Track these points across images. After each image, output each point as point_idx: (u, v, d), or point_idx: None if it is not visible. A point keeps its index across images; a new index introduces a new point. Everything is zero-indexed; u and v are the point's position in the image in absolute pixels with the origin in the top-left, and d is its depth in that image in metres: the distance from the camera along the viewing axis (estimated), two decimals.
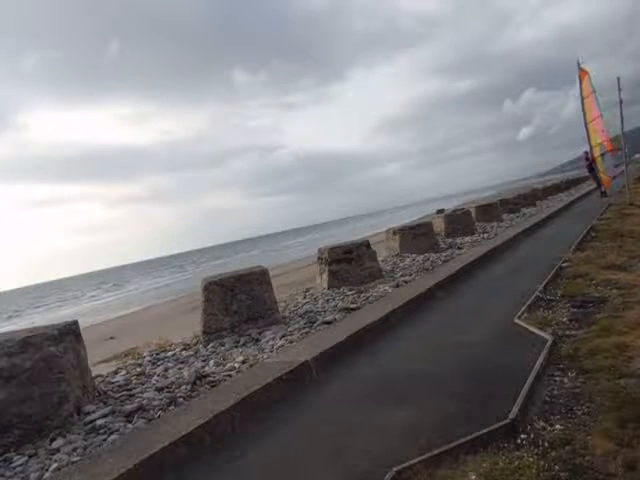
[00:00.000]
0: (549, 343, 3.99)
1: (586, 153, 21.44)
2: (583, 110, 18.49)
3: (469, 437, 2.70)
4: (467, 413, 3.10)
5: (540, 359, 3.66)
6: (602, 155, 18.80)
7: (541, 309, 5.20)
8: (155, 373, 4.89)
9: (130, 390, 4.40)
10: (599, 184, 20.78)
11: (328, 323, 5.77)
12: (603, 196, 19.72)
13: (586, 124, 18.52)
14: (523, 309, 5.18)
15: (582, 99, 18.44)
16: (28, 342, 3.55)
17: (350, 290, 7.62)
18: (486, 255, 9.46)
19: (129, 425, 3.60)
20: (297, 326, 5.82)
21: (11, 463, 3.23)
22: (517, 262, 8.83)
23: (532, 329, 4.50)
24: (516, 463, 2.42)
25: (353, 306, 6.48)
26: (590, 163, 21.23)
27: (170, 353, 5.67)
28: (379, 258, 9.37)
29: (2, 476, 3.09)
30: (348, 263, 8.13)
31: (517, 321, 4.87)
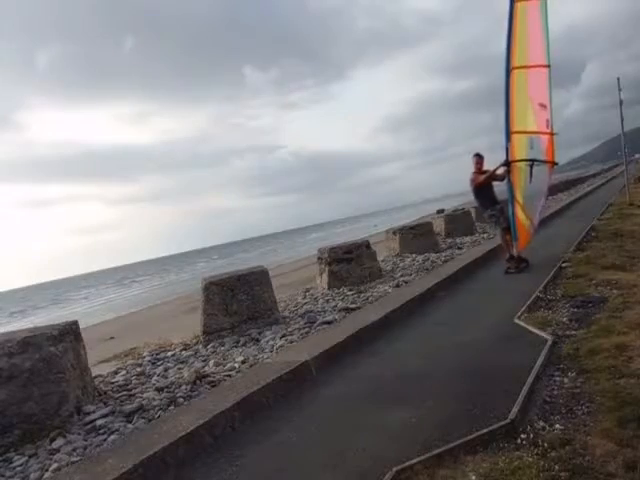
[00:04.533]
0: (549, 343, 4.00)
1: (479, 156, 8.19)
2: (508, 40, 7.31)
3: (469, 437, 2.70)
4: (467, 413, 3.09)
5: (540, 359, 3.66)
6: (530, 164, 7.51)
7: (541, 309, 5.20)
8: (155, 373, 4.89)
9: (130, 390, 4.40)
10: (504, 236, 8.06)
11: (328, 323, 5.77)
12: (511, 269, 7.68)
13: (510, 70, 7.34)
14: (523, 309, 5.18)
15: (510, 16, 7.29)
16: (28, 342, 3.55)
17: (350, 290, 7.62)
18: (486, 255, 9.46)
19: (129, 425, 3.60)
20: (297, 326, 5.82)
21: (11, 463, 3.23)
22: None
23: (532, 329, 4.50)
24: (516, 463, 2.42)
25: (353, 306, 6.48)
26: (483, 181, 8.04)
27: (170, 353, 5.67)
28: (379, 258, 9.37)
29: (2, 476, 3.09)
30: (348, 263, 8.13)
31: (517, 321, 4.87)
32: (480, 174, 8.00)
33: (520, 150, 7.42)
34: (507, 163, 7.41)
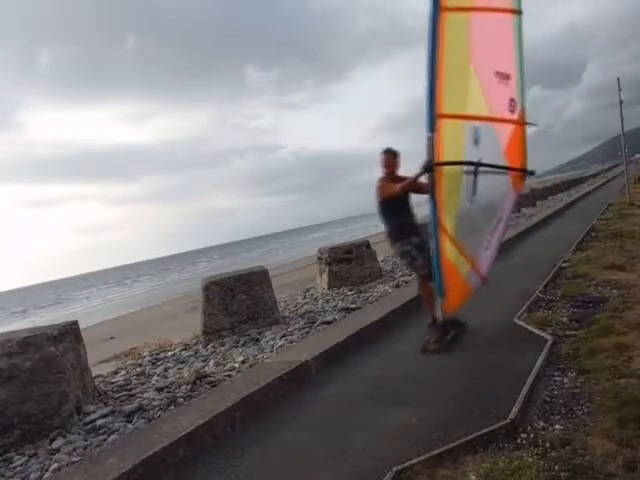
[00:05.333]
0: (549, 343, 4.00)
1: (390, 153, 4.93)
2: None
3: (469, 437, 2.70)
4: (467, 413, 3.10)
5: (540, 359, 3.66)
6: (472, 170, 4.34)
7: (541, 309, 5.20)
8: (155, 373, 4.89)
9: (130, 390, 4.40)
10: (424, 287, 4.91)
11: (328, 323, 5.77)
12: (429, 345, 4.49)
13: (438, 11, 4.09)
14: (523, 309, 5.18)
15: None
16: (28, 342, 3.55)
17: (350, 290, 7.62)
18: None
19: (129, 425, 3.60)
20: (297, 326, 5.82)
21: (11, 463, 3.23)
22: (517, 262, 8.83)
23: (532, 329, 4.50)
24: (516, 463, 2.42)
25: (353, 306, 6.48)
26: (396, 192, 4.72)
27: (170, 353, 5.67)
28: (379, 258, 9.37)
29: (2, 476, 3.09)
30: (348, 263, 8.13)
31: (517, 321, 4.87)
32: (392, 181, 4.81)
33: (452, 146, 4.28)
34: (429, 167, 4.23)
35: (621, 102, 15.77)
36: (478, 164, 4.33)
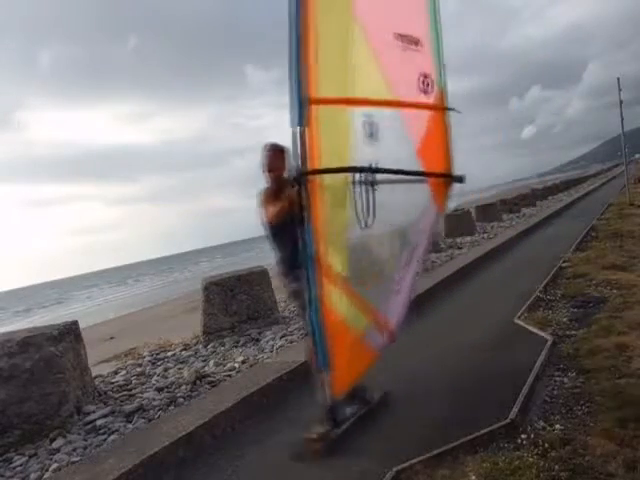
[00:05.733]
0: (549, 343, 4.00)
1: (275, 150, 3.41)
2: None
3: (469, 437, 2.70)
4: (467, 413, 3.09)
5: (540, 359, 3.66)
6: (362, 178, 2.90)
7: (541, 309, 5.20)
8: (155, 373, 4.89)
9: (130, 390, 4.40)
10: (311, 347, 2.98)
11: None
12: (311, 444, 2.96)
13: None
14: (523, 309, 5.18)
15: None
16: (28, 342, 3.55)
17: None
18: (486, 255, 9.46)
19: (129, 425, 3.60)
20: (297, 326, 5.81)
21: (11, 463, 3.23)
22: (517, 262, 8.83)
23: (532, 329, 4.50)
24: (516, 463, 2.42)
25: None
26: (282, 211, 3.24)
27: (170, 353, 5.67)
28: None
29: (2, 476, 3.09)
30: None
31: (517, 321, 4.87)
32: (278, 192, 3.38)
33: (333, 144, 2.93)
34: (298, 177, 2.87)
35: (621, 102, 15.78)
36: (373, 170, 2.99)
